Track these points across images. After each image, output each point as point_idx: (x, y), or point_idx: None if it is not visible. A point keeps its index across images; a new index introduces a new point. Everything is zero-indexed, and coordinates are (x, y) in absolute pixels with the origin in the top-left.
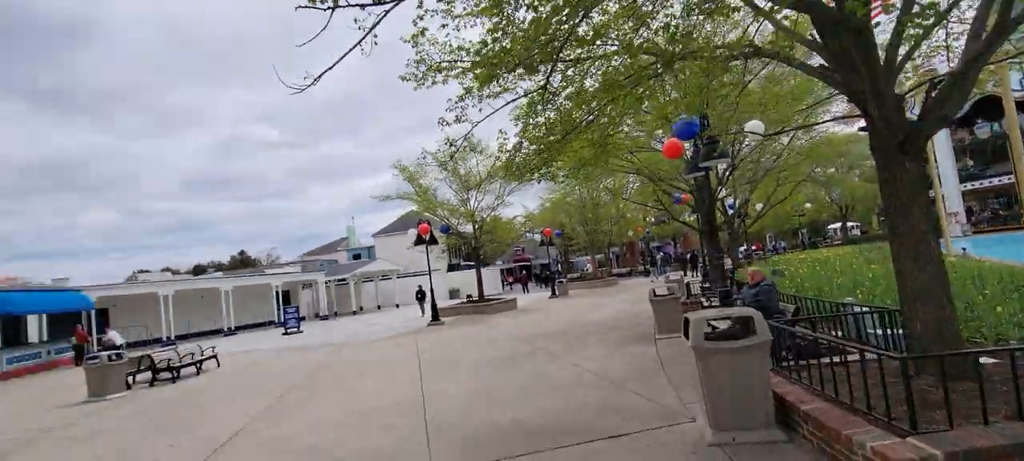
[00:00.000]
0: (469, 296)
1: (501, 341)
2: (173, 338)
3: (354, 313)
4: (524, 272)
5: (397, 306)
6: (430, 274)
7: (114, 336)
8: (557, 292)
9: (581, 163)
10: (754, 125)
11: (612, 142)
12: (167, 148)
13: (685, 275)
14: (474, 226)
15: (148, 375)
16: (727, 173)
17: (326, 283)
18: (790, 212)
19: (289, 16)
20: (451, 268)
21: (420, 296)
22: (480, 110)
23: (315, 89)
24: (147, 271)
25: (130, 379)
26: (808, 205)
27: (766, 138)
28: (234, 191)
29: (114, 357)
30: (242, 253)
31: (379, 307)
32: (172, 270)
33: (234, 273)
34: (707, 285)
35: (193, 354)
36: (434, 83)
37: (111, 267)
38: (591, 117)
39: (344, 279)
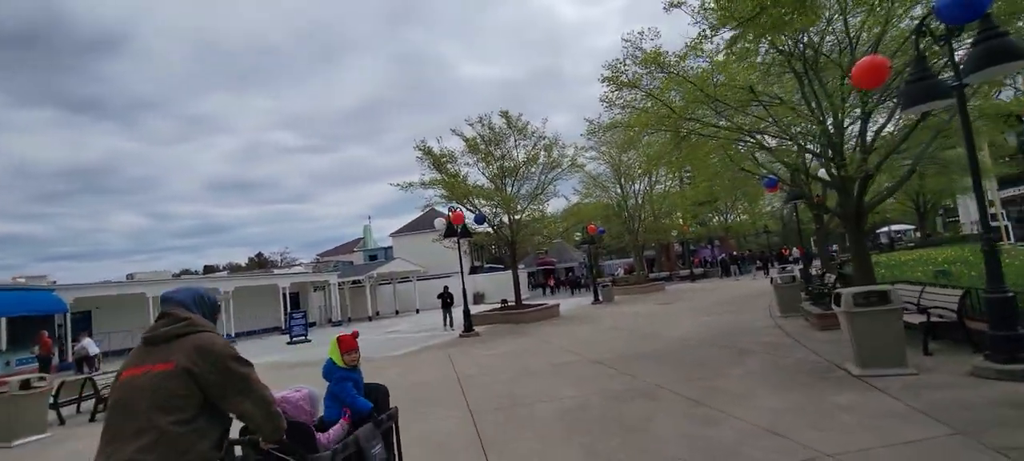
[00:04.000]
0: (503, 301)
1: (578, 368)
2: None
3: (369, 318)
4: (568, 274)
5: (417, 311)
6: (463, 273)
7: (88, 344)
8: (601, 298)
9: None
10: None
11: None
12: (192, 153)
13: (766, 276)
14: (510, 218)
15: (92, 404)
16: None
17: (339, 284)
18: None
19: (306, 26)
20: (474, 270)
21: (446, 300)
22: None
23: (334, 97)
24: (166, 272)
25: (65, 410)
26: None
27: None
28: (255, 195)
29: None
30: (259, 255)
31: (397, 312)
32: (190, 271)
33: (239, 273)
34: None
35: None
36: None
37: (134, 268)
38: None
39: (359, 280)
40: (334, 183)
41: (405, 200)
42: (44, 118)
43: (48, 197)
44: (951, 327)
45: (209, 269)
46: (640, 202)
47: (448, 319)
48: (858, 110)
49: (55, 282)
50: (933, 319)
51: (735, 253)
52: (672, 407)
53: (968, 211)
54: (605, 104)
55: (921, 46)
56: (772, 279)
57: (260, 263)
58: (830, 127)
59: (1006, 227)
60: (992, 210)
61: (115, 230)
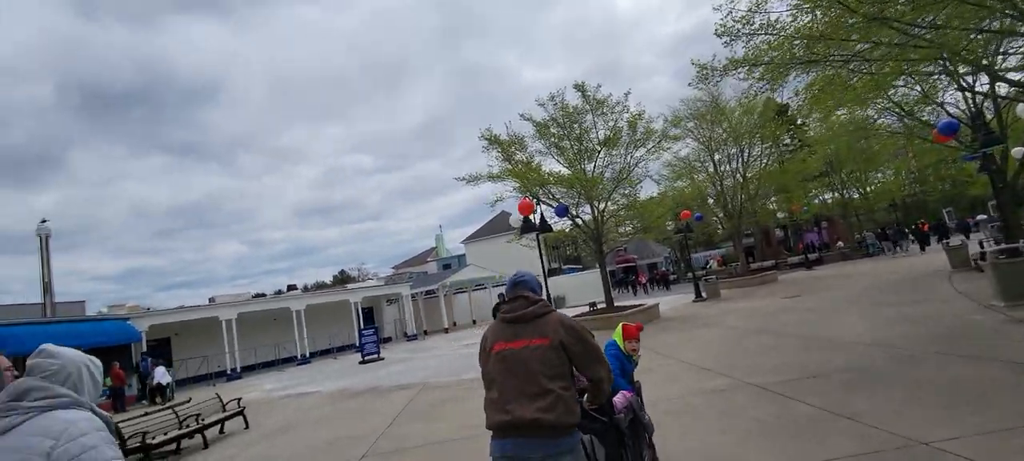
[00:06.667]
0: (592, 304)
1: (738, 399)
2: (239, 370)
3: (445, 330)
4: (654, 271)
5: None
6: (545, 273)
7: (158, 374)
8: (705, 294)
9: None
10: None
11: None
12: (279, 184)
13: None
14: (594, 207)
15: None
16: None
17: (413, 296)
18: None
19: (368, 53)
20: (550, 272)
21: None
22: None
23: (401, 116)
24: (262, 294)
25: None
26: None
27: None
28: (336, 216)
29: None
30: (342, 272)
31: (474, 322)
32: (264, 293)
33: (310, 292)
34: None
35: (200, 415)
36: None
37: (237, 292)
38: None
39: (433, 290)
40: (407, 198)
41: (476, 208)
42: (156, 164)
43: (163, 233)
44: None
45: (291, 287)
46: (742, 179)
47: None
48: None
49: (149, 308)
50: None
51: (900, 227)
52: None
53: None
54: (724, 40)
55: None
56: (983, 253)
57: (342, 280)
58: None
59: None
60: None
61: (220, 258)
